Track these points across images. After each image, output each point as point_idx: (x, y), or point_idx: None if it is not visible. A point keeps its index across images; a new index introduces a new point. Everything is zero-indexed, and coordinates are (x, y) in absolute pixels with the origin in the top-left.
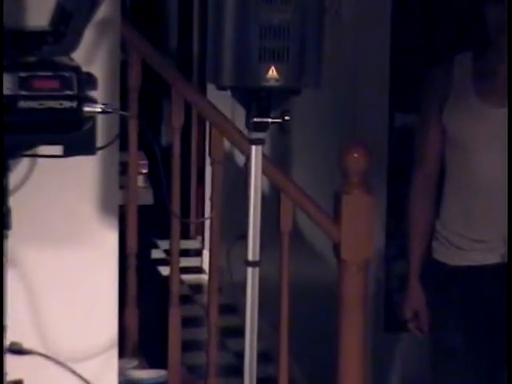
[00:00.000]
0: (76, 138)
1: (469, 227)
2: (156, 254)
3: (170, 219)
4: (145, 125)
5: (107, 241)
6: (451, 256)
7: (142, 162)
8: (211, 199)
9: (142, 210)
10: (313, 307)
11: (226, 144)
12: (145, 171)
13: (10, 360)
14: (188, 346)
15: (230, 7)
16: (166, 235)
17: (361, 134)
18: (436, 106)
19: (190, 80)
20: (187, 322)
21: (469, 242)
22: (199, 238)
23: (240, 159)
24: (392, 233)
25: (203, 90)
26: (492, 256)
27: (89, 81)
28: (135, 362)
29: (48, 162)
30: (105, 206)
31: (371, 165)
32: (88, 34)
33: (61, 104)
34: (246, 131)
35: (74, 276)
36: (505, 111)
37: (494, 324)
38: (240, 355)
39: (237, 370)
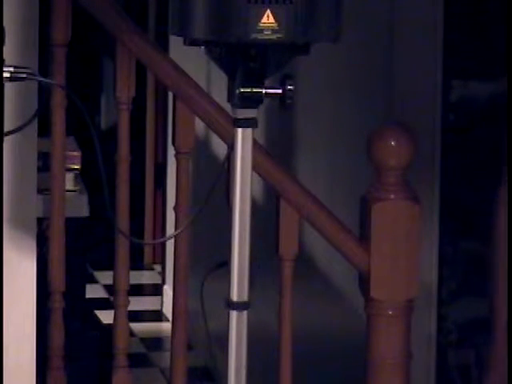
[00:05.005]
0: None
1: None
2: (93, 291)
3: (115, 240)
4: (76, 97)
5: (20, 272)
6: None
7: (71, 154)
8: (176, 209)
9: (73, 225)
10: (327, 370)
11: (198, 127)
12: (76, 167)
13: None
14: None
15: None
16: (109, 264)
17: (401, 112)
18: None
19: (145, 32)
20: None
21: None
22: (158, 267)
23: (220, 149)
24: (449, 260)
25: (164, 46)
26: None
27: None
28: None
29: None
30: (16, 220)
31: (416, 157)
32: None
33: None
34: (228, 108)
35: None
36: None
37: None
38: None
39: None
